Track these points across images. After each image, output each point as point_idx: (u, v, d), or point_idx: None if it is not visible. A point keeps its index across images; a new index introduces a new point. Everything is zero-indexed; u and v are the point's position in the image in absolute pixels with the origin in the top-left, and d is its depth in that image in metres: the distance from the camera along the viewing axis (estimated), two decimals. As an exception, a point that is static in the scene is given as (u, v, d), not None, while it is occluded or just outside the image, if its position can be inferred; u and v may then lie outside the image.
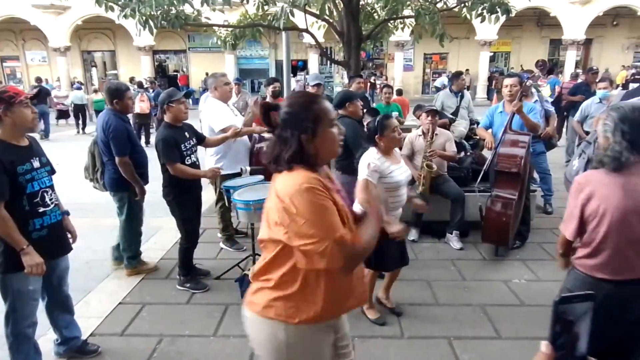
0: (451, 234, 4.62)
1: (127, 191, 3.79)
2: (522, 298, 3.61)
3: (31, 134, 2.61)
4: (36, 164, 2.49)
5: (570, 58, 22.86)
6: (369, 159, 3.05)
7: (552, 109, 5.85)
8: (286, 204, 1.46)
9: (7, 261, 2.39)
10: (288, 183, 1.50)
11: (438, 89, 11.07)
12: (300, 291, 1.55)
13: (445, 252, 4.47)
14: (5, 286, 2.45)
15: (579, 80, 9.53)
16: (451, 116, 6.07)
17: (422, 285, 3.79)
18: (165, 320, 3.34)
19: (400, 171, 3.10)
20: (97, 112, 12.27)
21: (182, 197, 3.65)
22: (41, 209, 2.48)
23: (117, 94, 3.73)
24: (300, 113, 1.57)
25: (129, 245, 3.97)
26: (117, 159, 3.64)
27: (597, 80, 7.34)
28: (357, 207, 2.97)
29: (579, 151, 2.79)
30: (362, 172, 3.02)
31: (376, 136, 3.07)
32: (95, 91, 14.81)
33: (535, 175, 5.42)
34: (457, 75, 6.52)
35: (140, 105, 11.53)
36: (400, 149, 4.30)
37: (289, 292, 1.56)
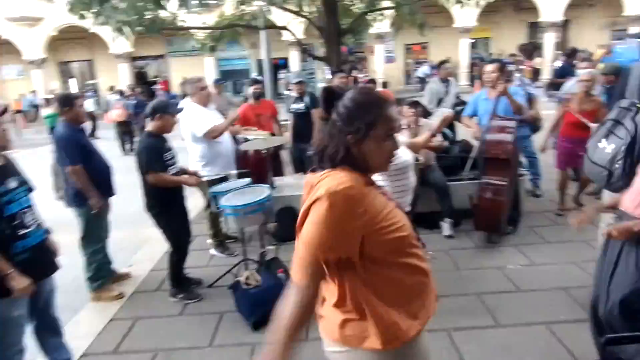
0: (442, 221, 4.61)
1: (84, 206, 3.63)
2: (518, 284, 3.60)
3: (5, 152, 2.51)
4: (12, 184, 2.39)
5: (549, 40, 23.06)
6: None
7: (535, 92, 5.86)
8: (314, 197, 1.34)
9: (-11, 287, 2.30)
10: (333, 181, 1.36)
11: (421, 79, 11.09)
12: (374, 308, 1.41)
13: (439, 243, 4.45)
14: (-11, 313, 2.35)
15: (560, 63, 9.59)
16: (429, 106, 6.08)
17: (417, 278, 3.75)
18: (159, 334, 3.26)
19: (404, 152, 2.97)
20: (51, 129, 11.63)
21: (167, 208, 3.56)
22: (22, 231, 2.39)
23: (67, 102, 3.59)
24: (356, 111, 1.41)
25: (88, 265, 3.77)
26: (68, 169, 3.51)
27: (578, 61, 7.39)
28: None
29: (605, 131, 2.60)
30: None
31: None
32: (48, 102, 13.17)
33: (522, 158, 5.43)
34: (443, 63, 6.53)
35: (114, 112, 11.40)
36: None
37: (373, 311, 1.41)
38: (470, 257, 4.14)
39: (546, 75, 17.71)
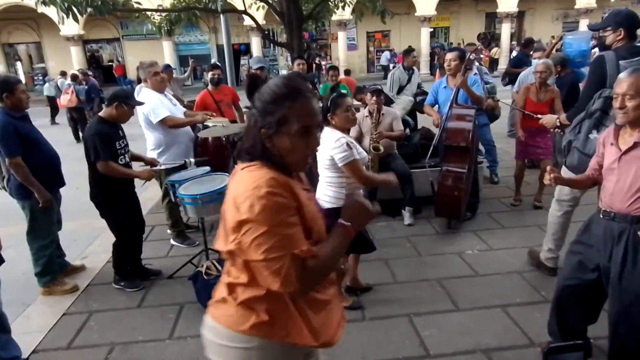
0: (404, 210, 4.66)
1: (28, 199, 3.39)
2: (476, 268, 3.70)
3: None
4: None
5: (506, 30, 23.76)
6: (343, 139, 2.78)
7: (492, 80, 6.00)
8: (241, 210, 1.25)
9: None
10: (246, 184, 1.28)
11: (384, 67, 11.15)
12: (276, 308, 1.36)
13: (401, 230, 4.51)
14: None
15: (514, 53, 9.85)
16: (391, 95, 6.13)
17: (380, 265, 3.80)
18: (116, 328, 3.14)
19: (360, 147, 3.01)
20: None
21: (112, 196, 3.43)
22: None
23: (6, 87, 3.25)
24: (268, 103, 1.32)
25: (36, 261, 3.57)
26: (7, 161, 3.25)
27: (532, 52, 7.61)
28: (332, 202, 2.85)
29: (594, 122, 2.64)
30: (344, 155, 2.73)
31: (329, 114, 2.89)
32: None
33: (481, 146, 5.56)
34: (409, 52, 6.56)
35: (64, 97, 10.85)
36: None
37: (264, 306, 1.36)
38: (430, 243, 4.22)
39: (502, 65, 18.26)
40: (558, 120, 3.38)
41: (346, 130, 2.95)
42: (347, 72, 12.82)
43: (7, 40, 23.82)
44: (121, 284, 3.64)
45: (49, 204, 3.41)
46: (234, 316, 1.38)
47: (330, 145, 2.78)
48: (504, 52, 22.90)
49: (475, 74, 5.21)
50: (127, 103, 3.38)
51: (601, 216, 2.26)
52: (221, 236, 1.40)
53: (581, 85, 4.69)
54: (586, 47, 6.06)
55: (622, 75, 2.13)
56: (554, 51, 7.26)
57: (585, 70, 4.94)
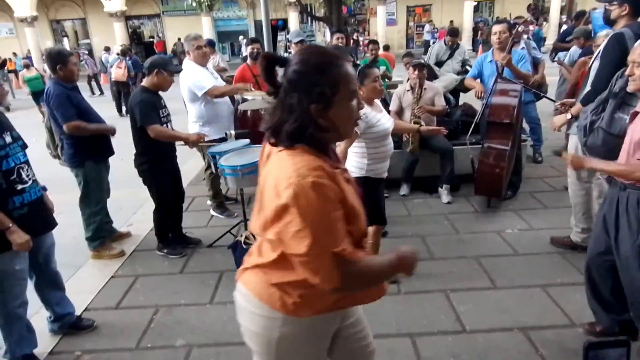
0: (442, 187, 4.60)
1: (82, 167, 3.58)
2: (516, 247, 3.63)
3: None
4: (8, 139, 2.36)
5: (555, 3, 22.49)
6: None
7: (540, 55, 5.73)
8: (283, 199, 1.18)
9: (-11, 242, 2.29)
10: (289, 171, 1.19)
11: (426, 42, 10.87)
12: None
13: (438, 207, 4.46)
14: (-10, 267, 2.36)
15: (565, 27, 9.35)
16: (437, 68, 5.98)
17: (416, 241, 3.78)
18: (160, 291, 3.30)
19: (386, 118, 2.97)
20: (34, 93, 11.09)
21: (157, 165, 3.54)
22: (19, 186, 2.36)
23: (60, 59, 3.41)
24: (313, 75, 1.23)
25: (87, 226, 3.77)
26: (65, 127, 3.42)
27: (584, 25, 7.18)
28: None
29: (619, 102, 2.52)
30: None
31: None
32: (27, 66, 11.74)
33: (525, 124, 5.37)
34: (455, 34, 6.43)
35: (117, 71, 11.15)
36: (383, 100, 4.17)
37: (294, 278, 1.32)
38: (469, 221, 4.16)
39: (550, 41, 17.36)
40: (570, 114, 3.29)
41: (371, 101, 2.94)
42: (386, 48, 12.55)
43: (54, 17, 24.64)
44: (164, 251, 3.79)
45: (111, 132, 3.66)
46: (265, 291, 1.37)
47: None
48: (552, 26, 21.75)
49: (523, 48, 4.99)
50: (166, 69, 3.46)
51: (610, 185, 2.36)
52: (255, 214, 1.37)
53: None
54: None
55: (636, 43, 2.15)
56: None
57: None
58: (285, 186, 1.18)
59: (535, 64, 5.35)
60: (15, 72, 18.38)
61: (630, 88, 2.18)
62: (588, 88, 3.15)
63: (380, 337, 2.44)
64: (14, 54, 20.65)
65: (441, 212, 4.33)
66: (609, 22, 3.11)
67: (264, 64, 1.28)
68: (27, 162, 2.45)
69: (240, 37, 9.65)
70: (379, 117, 2.89)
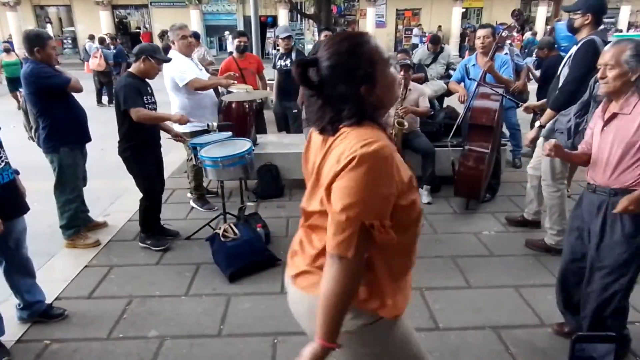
0: (422, 188, 4.64)
1: (57, 152, 3.51)
2: (492, 249, 3.68)
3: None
4: (-20, 120, 2.30)
5: (541, 14, 22.90)
6: None
7: (522, 63, 5.84)
8: (342, 163, 1.17)
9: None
10: (353, 142, 1.19)
11: (414, 45, 11.02)
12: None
13: (418, 207, 4.49)
14: (-43, 252, 2.30)
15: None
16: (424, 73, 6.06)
17: (394, 240, 3.80)
18: (135, 282, 3.25)
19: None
20: (10, 80, 10.69)
21: (140, 152, 3.49)
22: (-10, 169, 2.31)
23: (38, 42, 3.33)
24: (350, 60, 1.23)
25: (61, 214, 3.70)
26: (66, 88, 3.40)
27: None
28: None
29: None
30: None
31: None
32: (7, 51, 11.18)
33: (505, 130, 5.46)
34: (437, 41, 6.63)
35: (93, 61, 10.94)
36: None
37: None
38: (447, 222, 4.20)
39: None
40: (539, 122, 3.44)
41: None
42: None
43: (38, 2, 24.08)
44: (147, 242, 3.70)
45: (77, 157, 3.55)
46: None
47: None
48: (538, 36, 22.15)
49: (506, 53, 5.07)
50: (153, 57, 3.43)
51: (586, 189, 2.34)
52: (308, 196, 1.35)
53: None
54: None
55: (606, 47, 2.21)
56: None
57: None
58: (347, 155, 1.17)
59: (518, 70, 5.45)
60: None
61: (601, 90, 2.23)
62: (555, 93, 3.26)
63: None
64: (-5, 38, 20.15)
65: (420, 212, 4.36)
66: (573, 29, 3.29)
67: (300, 71, 1.27)
68: (0, 145, 2.39)
69: (226, 33, 9.58)
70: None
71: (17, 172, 2.56)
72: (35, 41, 3.34)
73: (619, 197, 2.11)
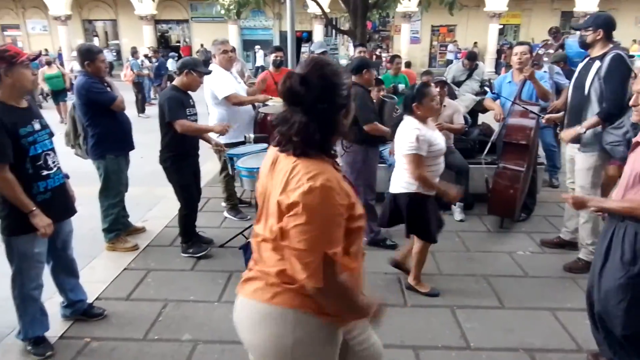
0: (455, 205, 4.59)
1: (103, 159, 3.70)
2: (526, 269, 3.60)
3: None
4: (37, 126, 2.46)
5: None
6: (415, 131, 2.85)
7: (564, 81, 5.70)
8: (292, 200, 1.25)
9: (12, 224, 2.40)
10: (300, 175, 1.27)
11: (450, 62, 10.97)
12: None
13: (450, 224, 4.43)
14: (11, 249, 2.46)
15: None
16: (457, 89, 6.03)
17: (426, 256, 3.77)
18: (170, 286, 3.36)
19: (441, 137, 3.03)
20: (54, 92, 10.63)
21: (180, 163, 3.62)
22: (44, 172, 2.47)
23: (89, 56, 3.57)
24: (337, 84, 1.32)
25: (104, 217, 3.86)
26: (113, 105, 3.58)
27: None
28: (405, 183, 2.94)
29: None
30: (410, 146, 2.84)
31: (414, 104, 2.92)
32: (48, 63, 10.65)
33: (540, 150, 5.33)
34: (474, 58, 6.58)
35: (125, 72, 11.29)
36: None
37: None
38: (480, 240, 4.14)
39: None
40: (583, 127, 3.34)
41: (426, 119, 2.99)
42: (408, 65, 12.56)
43: (87, 17, 25.34)
44: (189, 251, 3.79)
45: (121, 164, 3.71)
46: (269, 291, 1.40)
47: (405, 133, 2.90)
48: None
49: (545, 72, 4.99)
50: (196, 70, 3.58)
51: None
52: (262, 219, 1.43)
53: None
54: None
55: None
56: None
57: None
58: (294, 188, 1.26)
59: (559, 89, 5.33)
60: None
61: (634, 118, 2.21)
62: (595, 104, 3.30)
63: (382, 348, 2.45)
64: (46, 50, 21.28)
65: (453, 229, 4.32)
66: (585, 46, 3.39)
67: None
68: (53, 150, 2.55)
69: (257, 47, 9.80)
70: (435, 136, 2.96)
71: (67, 177, 2.71)
72: (85, 55, 3.57)
73: (626, 223, 2.12)
